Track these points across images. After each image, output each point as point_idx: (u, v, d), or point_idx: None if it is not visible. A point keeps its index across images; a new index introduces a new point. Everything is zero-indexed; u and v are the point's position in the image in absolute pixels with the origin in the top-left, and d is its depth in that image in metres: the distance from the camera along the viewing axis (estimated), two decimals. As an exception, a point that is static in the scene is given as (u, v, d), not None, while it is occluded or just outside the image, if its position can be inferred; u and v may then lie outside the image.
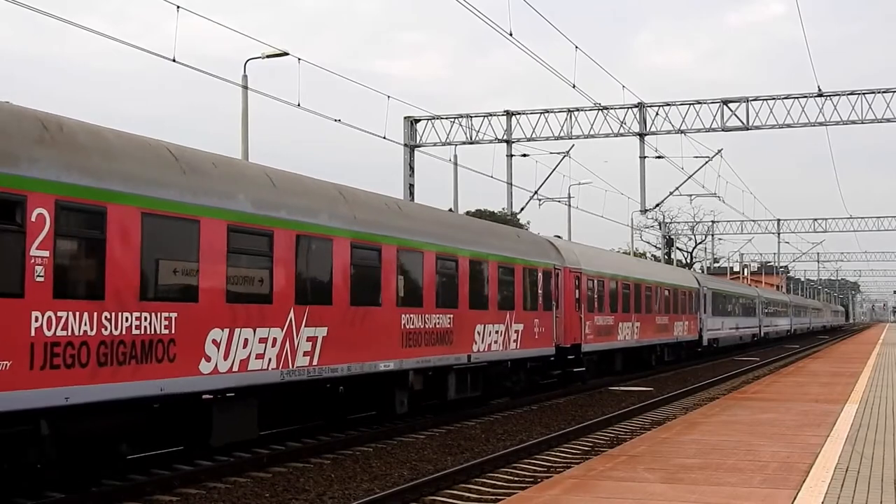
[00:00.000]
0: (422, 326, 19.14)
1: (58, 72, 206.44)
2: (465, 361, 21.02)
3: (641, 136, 45.62)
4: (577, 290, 28.11)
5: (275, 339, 14.71)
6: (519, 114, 46.53)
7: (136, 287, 12.16)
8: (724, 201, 61.36)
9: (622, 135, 45.80)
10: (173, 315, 12.72)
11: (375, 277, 17.61)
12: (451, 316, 20.39)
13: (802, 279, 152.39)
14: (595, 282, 30.02)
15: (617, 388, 30.08)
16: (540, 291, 25.15)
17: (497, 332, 22.55)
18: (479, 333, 21.64)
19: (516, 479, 14.12)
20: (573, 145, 47.40)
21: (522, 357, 24.31)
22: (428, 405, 20.55)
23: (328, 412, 18.24)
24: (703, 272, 79.83)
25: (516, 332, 23.55)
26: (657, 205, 56.89)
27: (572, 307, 27.67)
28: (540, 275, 25.25)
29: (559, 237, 33.50)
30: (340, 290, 16.48)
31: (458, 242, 21.08)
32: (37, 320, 10.72)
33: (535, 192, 49.07)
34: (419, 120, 46.29)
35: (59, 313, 10.99)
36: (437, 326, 19.78)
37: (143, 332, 12.19)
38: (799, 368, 33.53)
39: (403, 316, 18.45)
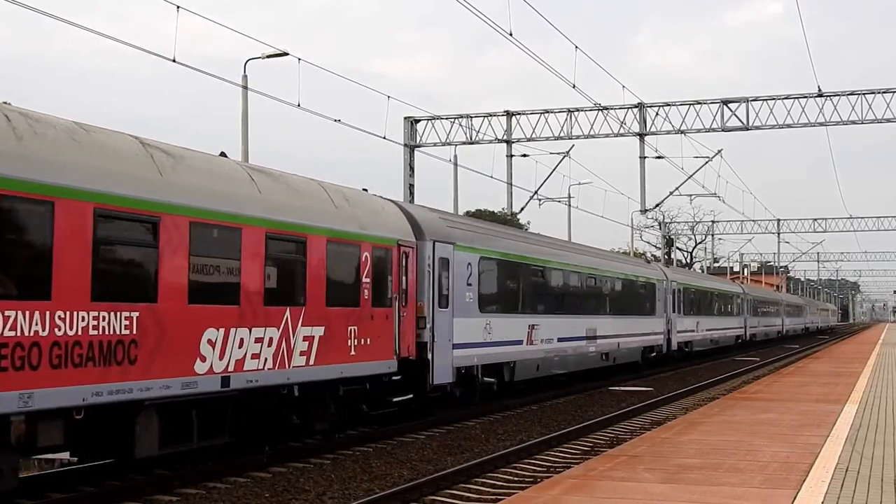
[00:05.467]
0: None
1: (57, 72, 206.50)
2: None
3: (641, 136, 45.64)
4: None
5: None
6: (519, 114, 46.55)
7: None
8: (724, 201, 61.48)
9: (622, 135, 45.84)
10: None
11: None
12: None
13: (802, 279, 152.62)
14: None
15: (617, 388, 30.06)
16: None
17: None
18: None
19: (516, 479, 14.11)
20: (573, 145, 47.50)
21: None
22: None
23: None
24: (703, 272, 79.06)
25: None
26: (657, 205, 56.99)
27: None
28: None
29: None
30: None
31: None
32: None
33: (535, 192, 49.14)
34: (419, 120, 46.29)
35: None
36: None
37: None
38: (799, 368, 33.52)
39: None
